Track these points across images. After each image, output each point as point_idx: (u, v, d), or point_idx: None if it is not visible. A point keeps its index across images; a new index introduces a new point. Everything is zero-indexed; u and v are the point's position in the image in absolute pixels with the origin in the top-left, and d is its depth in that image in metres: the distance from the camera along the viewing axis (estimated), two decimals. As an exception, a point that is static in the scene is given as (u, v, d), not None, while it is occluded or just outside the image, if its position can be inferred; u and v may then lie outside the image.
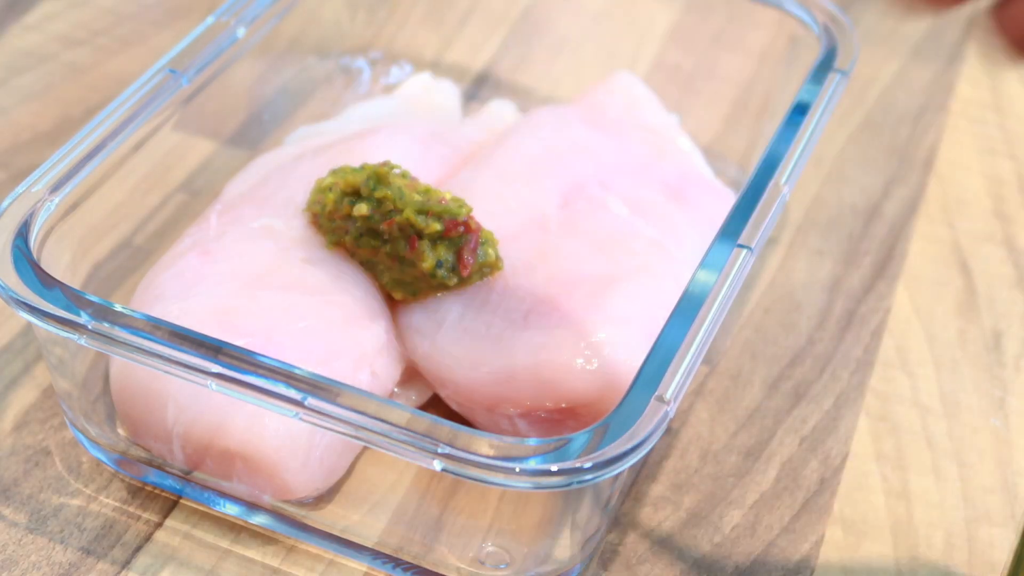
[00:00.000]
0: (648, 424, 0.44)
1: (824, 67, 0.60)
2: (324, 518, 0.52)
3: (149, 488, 0.54)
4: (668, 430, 0.57)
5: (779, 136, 0.55)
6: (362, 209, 0.54)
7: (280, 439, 0.49)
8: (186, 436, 0.50)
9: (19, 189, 0.51)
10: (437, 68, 0.74)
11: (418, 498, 0.53)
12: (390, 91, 0.69)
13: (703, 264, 0.49)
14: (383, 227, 0.54)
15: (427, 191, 0.54)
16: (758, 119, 0.69)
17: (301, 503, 0.52)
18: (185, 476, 0.52)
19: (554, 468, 0.43)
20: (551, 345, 0.52)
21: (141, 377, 0.51)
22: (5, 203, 0.50)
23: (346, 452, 0.52)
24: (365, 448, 0.53)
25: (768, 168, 0.54)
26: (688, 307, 0.48)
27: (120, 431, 0.53)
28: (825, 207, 0.70)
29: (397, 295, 0.55)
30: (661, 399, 0.45)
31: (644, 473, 0.56)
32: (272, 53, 0.66)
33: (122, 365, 0.52)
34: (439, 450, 0.43)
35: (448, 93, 0.70)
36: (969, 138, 0.75)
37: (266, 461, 0.50)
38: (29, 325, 0.57)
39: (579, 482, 0.43)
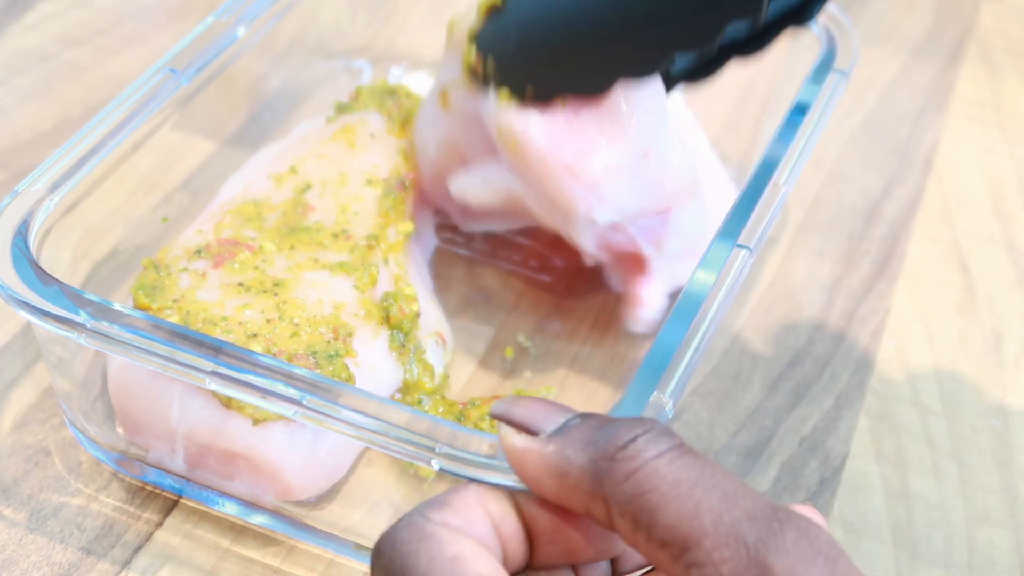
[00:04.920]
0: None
1: (824, 67, 0.60)
2: (324, 518, 0.52)
3: (149, 488, 0.54)
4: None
5: (779, 136, 0.55)
6: None
7: (283, 441, 0.49)
8: (189, 437, 0.50)
9: (19, 188, 0.51)
10: (437, 68, 0.74)
11: (418, 498, 0.53)
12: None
13: (702, 264, 0.49)
14: None
15: None
16: (758, 119, 0.69)
17: (301, 503, 0.52)
18: (185, 476, 0.52)
19: (553, 468, 0.43)
20: None
21: (142, 378, 0.51)
22: (5, 203, 0.50)
23: (347, 453, 0.52)
24: (366, 448, 0.53)
25: (768, 168, 0.54)
26: (687, 307, 0.48)
27: (119, 430, 0.53)
28: (825, 207, 0.70)
29: None
30: (659, 398, 0.45)
31: (644, 473, 0.56)
32: (272, 53, 0.66)
33: (121, 367, 0.52)
34: (438, 450, 0.43)
35: None
36: (969, 138, 0.75)
37: (269, 463, 0.50)
38: (29, 325, 0.57)
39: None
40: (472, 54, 0.55)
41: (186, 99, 0.57)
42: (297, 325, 0.51)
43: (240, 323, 0.51)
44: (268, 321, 0.51)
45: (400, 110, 0.62)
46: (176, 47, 0.58)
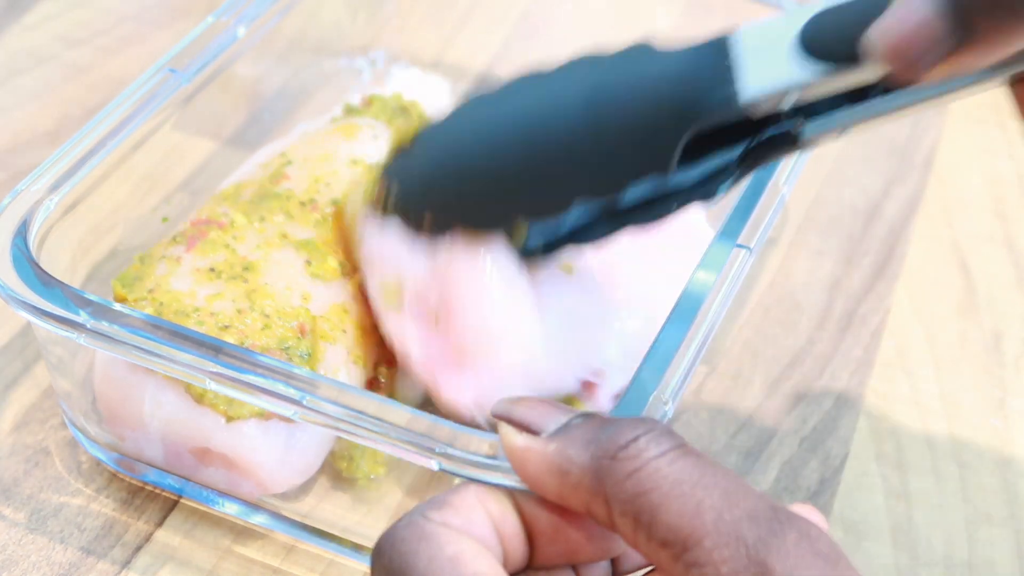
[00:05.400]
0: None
1: (824, 67, 0.60)
2: (324, 518, 0.52)
3: (149, 488, 0.54)
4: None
5: (779, 136, 0.55)
6: None
7: (256, 438, 0.49)
8: (163, 431, 0.50)
9: (19, 188, 0.51)
10: (437, 68, 0.74)
11: (418, 498, 0.53)
12: (387, 91, 0.69)
13: (702, 264, 0.49)
14: None
15: None
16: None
17: (301, 503, 0.52)
18: (163, 468, 0.52)
19: (553, 468, 0.43)
20: None
21: (121, 371, 0.50)
22: (5, 203, 0.50)
23: (321, 449, 0.52)
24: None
25: (767, 168, 0.54)
26: (687, 307, 0.48)
27: (106, 424, 0.53)
28: (825, 207, 0.70)
29: None
30: (659, 399, 0.45)
31: (644, 473, 0.56)
32: (272, 53, 0.66)
33: (107, 357, 0.51)
34: (438, 449, 0.43)
35: (438, 89, 0.69)
36: (969, 138, 0.75)
37: (242, 459, 0.49)
38: (29, 325, 0.57)
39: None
40: (376, 182, 0.53)
41: (186, 99, 0.57)
42: (268, 317, 0.51)
43: (212, 314, 0.50)
44: (239, 312, 0.51)
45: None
46: (176, 47, 0.58)
